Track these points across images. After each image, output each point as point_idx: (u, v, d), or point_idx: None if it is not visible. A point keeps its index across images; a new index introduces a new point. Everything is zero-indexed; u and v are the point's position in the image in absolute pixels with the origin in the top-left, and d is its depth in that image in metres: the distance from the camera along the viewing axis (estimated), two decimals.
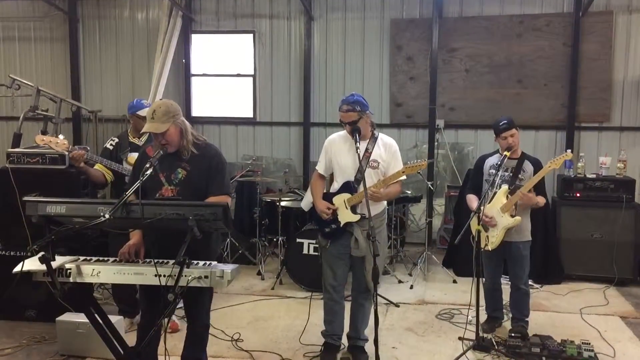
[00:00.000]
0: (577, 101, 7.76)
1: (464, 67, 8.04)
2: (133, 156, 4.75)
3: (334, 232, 4.24)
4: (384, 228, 4.40)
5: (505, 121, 4.67)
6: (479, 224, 4.39)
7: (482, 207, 4.45)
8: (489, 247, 4.67)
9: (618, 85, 7.72)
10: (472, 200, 4.84)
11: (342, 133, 4.31)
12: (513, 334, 4.58)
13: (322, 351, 4.42)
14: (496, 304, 5.07)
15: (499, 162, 4.63)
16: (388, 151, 4.25)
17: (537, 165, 4.73)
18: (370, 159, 4.19)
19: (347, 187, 4.21)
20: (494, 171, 4.66)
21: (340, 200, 4.21)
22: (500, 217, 4.60)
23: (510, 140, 4.64)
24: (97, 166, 4.66)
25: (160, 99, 3.71)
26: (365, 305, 4.37)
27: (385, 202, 4.37)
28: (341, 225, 4.20)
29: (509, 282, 4.91)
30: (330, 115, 8.42)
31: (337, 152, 4.28)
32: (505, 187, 4.65)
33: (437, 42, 7.89)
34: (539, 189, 4.70)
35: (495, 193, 4.64)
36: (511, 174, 4.70)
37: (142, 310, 3.68)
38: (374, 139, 4.25)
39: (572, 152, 7.03)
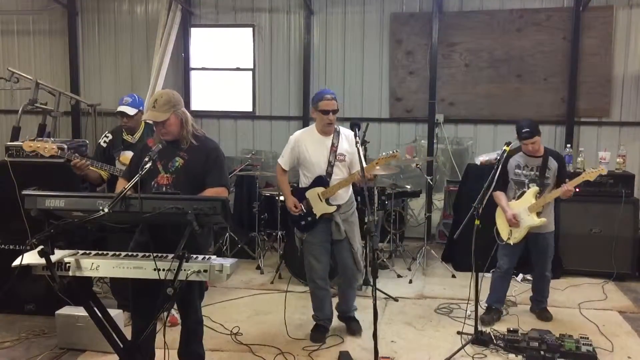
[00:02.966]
0: (577, 96, 7.75)
1: (463, 61, 8.02)
2: (126, 155, 4.73)
3: (310, 224, 4.53)
4: (354, 212, 4.70)
5: (528, 129, 4.75)
6: (477, 220, 4.42)
7: (512, 205, 4.54)
8: (511, 242, 4.90)
9: (618, 80, 7.71)
10: (499, 197, 4.98)
11: (307, 130, 4.65)
12: (510, 329, 4.59)
13: (313, 331, 4.71)
14: (501, 295, 5.15)
15: (525, 163, 4.91)
16: (350, 144, 4.48)
17: (560, 161, 4.94)
18: (338, 152, 4.48)
19: (320, 181, 4.48)
20: (519, 171, 4.91)
21: (314, 194, 4.48)
22: (526, 215, 4.80)
23: (531, 147, 4.83)
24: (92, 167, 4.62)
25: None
26: (354, 286, 4.75)
27: (350, 191, 4.67)
28: (317, 217, 4.49)
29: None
30: None
31: (306, 149, 4.51)
32: (535, 188, 4.82)
33: (437, 36, 7.87)
34: (564, 178, 4.90)
35: (523, 192, 4.87)
36: (537, 174, 4.85)
37: (132, 311, 3.68)
38: (337, 133, 4.52)
39: (571, 147, 7.04)
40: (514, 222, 4.84)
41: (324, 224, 4.51)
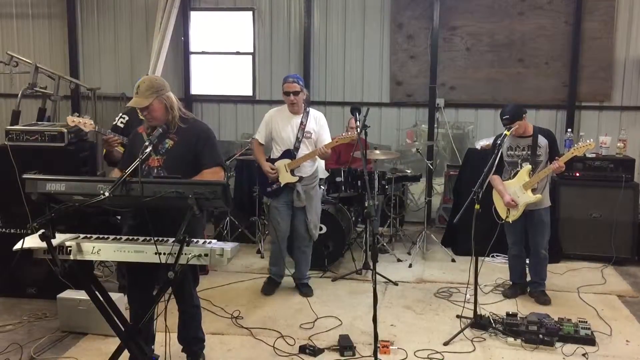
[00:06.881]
0: (578, 80, 7.71)
1: (464, 45, 7.97)
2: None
3: (275, 191, 5.15)
4: (316, 185, 5.35)
5: (507, 116, 4.91)
6: (477, 204, 4.44)
7: (507, 185, 4.55)
8: (510, 220, 5.08)
9: (619, 65, 7.67)
10: (495, 180, 5.10)
11: (280, 108, 5.23)
12: (509, 313, 4.61)
13: (266, 283, 5.38)
14: (519, 271, 5.36)
15: (516, 144, 5.04)
16: (318, 123, 5.17)
17: (550, 137, 5.05)
18: (305, 130, 5.09)
19: (288, 154, 5.10)
20: (511, 152, 5.06)
21: (281, 164, 5.10)
22: (522, 193, 4.96)
23: (513, 132, 4.89)
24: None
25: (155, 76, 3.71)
26: (306, 252, 5.34)
27: (315, 166, 5.25)
28: (281, 185, 5.10)
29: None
30: (330, 93, 8.38)
31: (277, 125, 5.13)
32: (528, 166, 4.97)
33: (438, 20, 7.80)
34: (556, 154, 5.01)
35: (517, 172, 5.02)
36: (529, 153, 5.00)
37: (129, 296, 3.72)
38: (306, 113, 5.14)
39: (572, 131, 7.03)
40: (512, 205, 4.99)
41: (287, 192, 5.13)
